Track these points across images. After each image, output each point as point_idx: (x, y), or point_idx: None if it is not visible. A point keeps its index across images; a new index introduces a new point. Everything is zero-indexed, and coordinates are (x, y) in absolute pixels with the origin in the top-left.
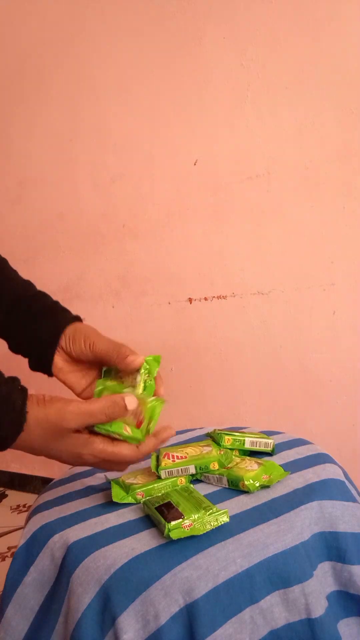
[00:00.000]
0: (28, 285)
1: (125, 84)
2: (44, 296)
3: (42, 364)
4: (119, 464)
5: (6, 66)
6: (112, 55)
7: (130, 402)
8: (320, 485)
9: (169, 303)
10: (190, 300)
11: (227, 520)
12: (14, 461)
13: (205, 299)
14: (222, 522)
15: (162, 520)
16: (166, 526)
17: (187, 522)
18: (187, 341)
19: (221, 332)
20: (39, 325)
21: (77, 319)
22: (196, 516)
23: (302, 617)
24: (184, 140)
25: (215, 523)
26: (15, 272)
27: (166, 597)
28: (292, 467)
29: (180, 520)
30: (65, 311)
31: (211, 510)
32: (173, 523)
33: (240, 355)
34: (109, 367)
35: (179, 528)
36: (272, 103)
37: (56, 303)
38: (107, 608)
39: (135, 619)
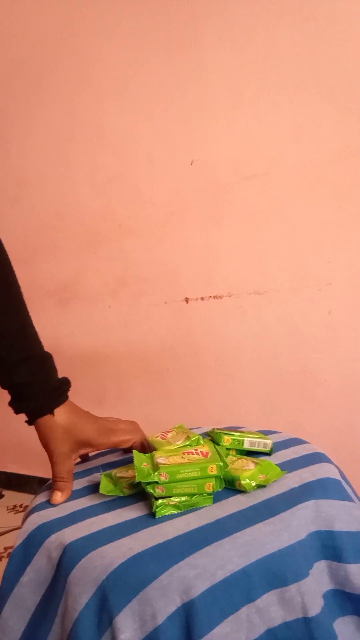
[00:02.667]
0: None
1: (124, 83)
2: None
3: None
4: None
5: (4, 65)
6: (110, 54)
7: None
8: (317, 484)
9: (166, 303)
10: (187, 300)
11: (210, 503)
12: (11, 462)
13: (202, 298)
14: (205, 505)
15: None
16: (154, 503)
17: (174, 500)
18: (184, 341)
19: (218, 332)
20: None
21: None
22: (183, 498)
23: (298, 616)
24: (183, 140)
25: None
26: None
27: (163, 597)
28: (288, 466)
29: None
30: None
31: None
32: (160, 501)
33: (237, 355)
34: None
35: (164, 506)
36: (271, 103)
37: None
38: (105, 608)
39: (133, 618)
